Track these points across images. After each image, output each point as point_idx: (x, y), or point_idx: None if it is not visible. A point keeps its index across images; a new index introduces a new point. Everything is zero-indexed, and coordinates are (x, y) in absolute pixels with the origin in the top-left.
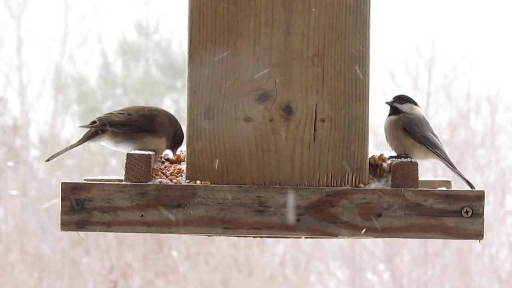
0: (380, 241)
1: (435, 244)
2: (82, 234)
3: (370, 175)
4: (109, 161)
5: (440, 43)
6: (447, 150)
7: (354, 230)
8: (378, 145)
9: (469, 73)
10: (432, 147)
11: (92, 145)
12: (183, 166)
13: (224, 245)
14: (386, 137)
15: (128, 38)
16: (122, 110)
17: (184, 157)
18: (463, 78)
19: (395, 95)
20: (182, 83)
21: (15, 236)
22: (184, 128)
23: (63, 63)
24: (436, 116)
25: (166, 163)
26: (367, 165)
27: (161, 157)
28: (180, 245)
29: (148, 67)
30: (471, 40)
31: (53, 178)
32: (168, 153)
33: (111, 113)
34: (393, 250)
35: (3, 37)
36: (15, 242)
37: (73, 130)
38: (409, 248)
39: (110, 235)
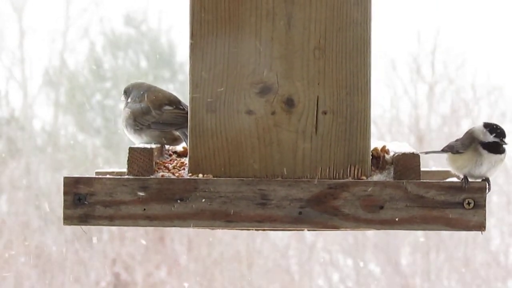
0: (383, 233)
1: (438, 235)
2: (85, 228)
3: (372, 167)
4: (110, 155)
5: (443, 33)
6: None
7: (356, 222)
8: (379, 137)
9: (472, 63)
10: None
11: (93, 139)
12: (187, 159)
13: (225, 236)
14: (490, 168)
15: (116, 30)
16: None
17: None
18: (466, 68)
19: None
20: (171, 73)
21: (17, 228)
22: None
23: (59, 57)
24: (439, 107)
25: (174, 156)
26: (370, 157)
27: (168, 150)
28: (181, 237)
29: (137, 58)
30: (474, 30)
31: (55, 171)
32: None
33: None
34: (396, 241)
35: (5, 30)
36: (17, 234)
37: (71, 123)
38: (412, 240)
39: (112, 227)
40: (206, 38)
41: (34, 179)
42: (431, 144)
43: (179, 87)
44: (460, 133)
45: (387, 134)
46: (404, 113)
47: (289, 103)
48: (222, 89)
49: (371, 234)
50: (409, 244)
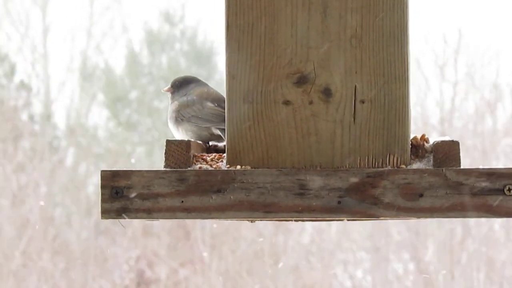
0: (405, 231)
1: (460, 234)
2: (122, 221)
3: (412, 156)
4: (135, 150)
5: (467, 32)
6: (472, 139)
7: (395, 211)
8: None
9: (495, 61)
10: None
11: (119, 133)
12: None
13: (249, 234)
14: None
15: (154, 27)
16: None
17: None
18: (489, 67)
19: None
20: (208, 71)
21: (41, 225)
22: None
23: (89, 52)
24: (462, 105)
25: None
26: (409, 146)
27: (210, 146)
28: (205, 234)
29: (175, 55)
30: (498, 29)
31: (80, 166)
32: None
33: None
34: (419, 239)
35: (29, 27)
36: (41, 231)
37: (98, 118)
38: (434, 237)
39: (137, 224)
40: (242, 29)
41: (59, 175)
42: None
43: (214, 85)
44: (483, 131)
45: (411, 132)
46: (428, 111)
47: (327, 92)
48: (258, 79)
49: (395, 232)
50: (432, 242)
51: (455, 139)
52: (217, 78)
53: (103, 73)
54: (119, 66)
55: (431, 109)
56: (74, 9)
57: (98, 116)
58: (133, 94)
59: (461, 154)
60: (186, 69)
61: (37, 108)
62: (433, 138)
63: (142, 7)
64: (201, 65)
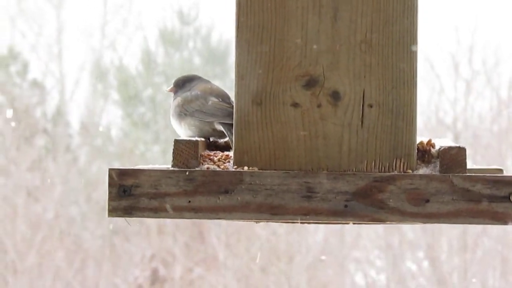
0: (419, 230)
1: (474, 232)
2: (129, 220)
3: (418, 160)
4: (150, 149)
5: (481, 30)
6: (486, 137)
7: (401, 215)
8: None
9: (509, 60)
10: None
11: (133, 133)
12: (231, 152)
13: (264, 233)
14: None
15: (168, 26)
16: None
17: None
18: (504, 65)
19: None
20: (223, 70)
21: (56, 223)
22: None
23: (103, 51)
24: (477, 103)
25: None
26: (415, 151)
27: (210, 142)
28: (220, 233)
29: (188, 54)
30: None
31: (94, 165)
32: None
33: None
34: (433, 238)
35: (43, 25)
36: (55, 229)
37: (112, 117)
38: (448, 236)
39: (151, 223)
40: (252, 30)
41: (73, 173)
42: (469, 141)
43: (230, 84)
44: (497, 129)
45: (425, 131)
46: (442, 110)
47: (335, 96)
48: (267, 81)
49: (409, 232)
50: (446, 242)
51: (468, 138)
52: (232, 77)
53: (116, 71)
54: (132, 64)
55: (445, 108)
56: (88, 8)
57: (112, 115)
58: (147, 93)
59: (474, 152)
60: (200, 68)
61: (51, 106)
62: (446, 139)
63: (156, 6)
64: (215, 63)
